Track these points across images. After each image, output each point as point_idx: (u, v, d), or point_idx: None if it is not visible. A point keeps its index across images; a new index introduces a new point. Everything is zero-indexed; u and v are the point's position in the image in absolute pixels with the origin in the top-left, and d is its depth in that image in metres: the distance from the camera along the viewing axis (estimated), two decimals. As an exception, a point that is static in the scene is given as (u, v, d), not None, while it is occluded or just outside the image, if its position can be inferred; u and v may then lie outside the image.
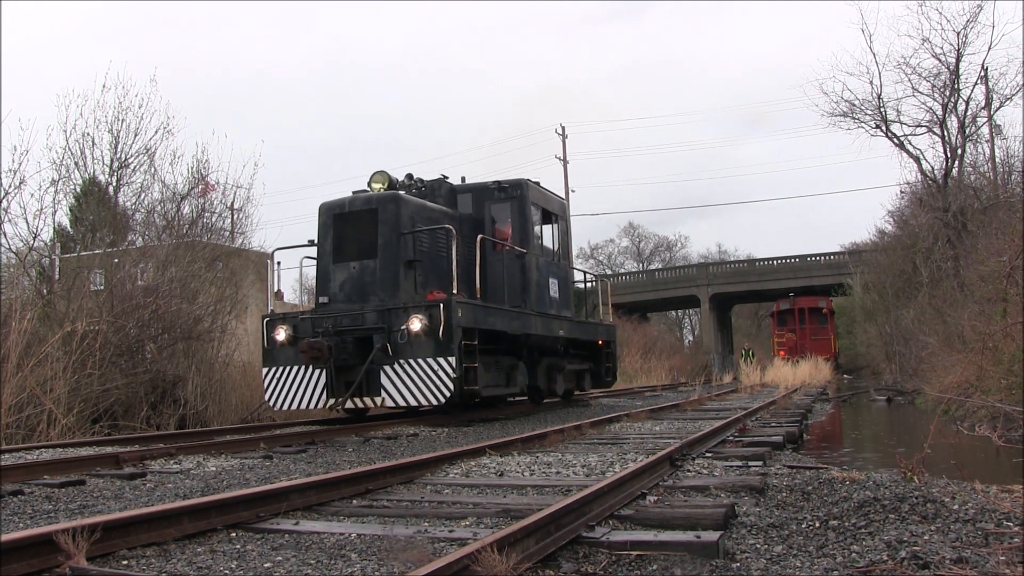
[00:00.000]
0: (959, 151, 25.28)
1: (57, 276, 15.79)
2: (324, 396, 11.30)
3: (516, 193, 14.37)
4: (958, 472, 5.25)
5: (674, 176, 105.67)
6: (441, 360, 10.75)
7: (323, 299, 11.97)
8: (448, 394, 10.68)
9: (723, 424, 9.28)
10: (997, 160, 26.24)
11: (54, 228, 17.00)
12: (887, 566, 3.35)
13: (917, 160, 26.15)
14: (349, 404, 11.31)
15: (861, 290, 35.80)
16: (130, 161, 17.81)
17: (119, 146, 17.58)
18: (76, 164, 17.15)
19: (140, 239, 18.00)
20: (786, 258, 49.32)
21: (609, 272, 62.06)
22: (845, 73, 53.32)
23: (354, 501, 5.10)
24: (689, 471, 6.14)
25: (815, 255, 48.40)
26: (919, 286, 24.72)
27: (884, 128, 26.18)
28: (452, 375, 10.68)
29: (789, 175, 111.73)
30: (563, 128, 49.91)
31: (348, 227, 12.04)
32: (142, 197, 18.32)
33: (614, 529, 4.03)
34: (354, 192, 12.62)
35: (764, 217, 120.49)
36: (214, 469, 6.95)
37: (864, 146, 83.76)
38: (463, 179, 14.90)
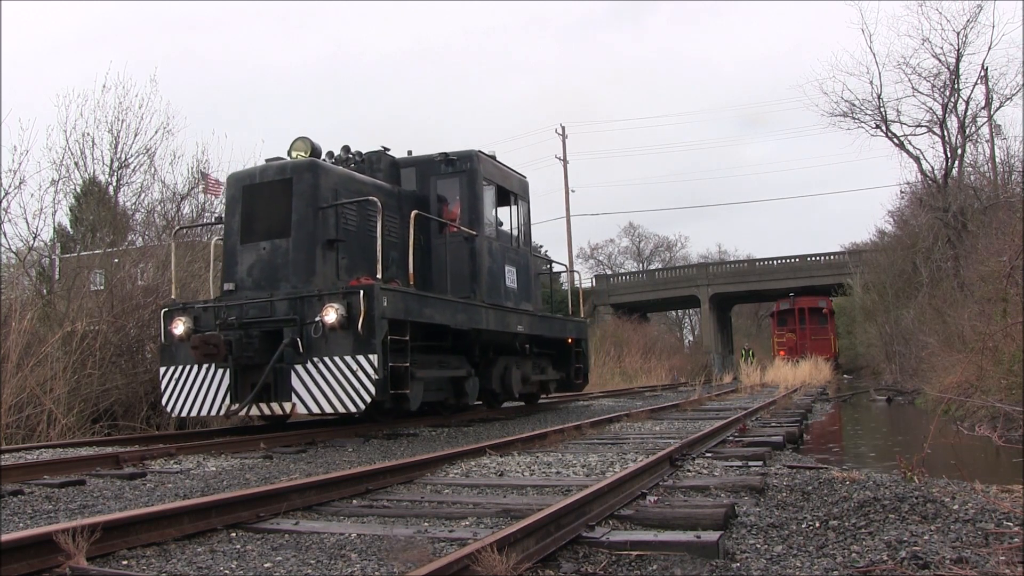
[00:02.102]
0: (959, 151, 25.29)
1: (57, 276, 15.81)
2: (228, 401, 9.70)
3: (465, 167, 12.59)
4: (958, 472, 5.25)
5: (674, 176, 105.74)
6: (361, 359, 9.08)
7: (228, 286, 10.33)
8: (368, 400, 9.05)
9: (723, 424, 9.28)
10: (997, 160, 26.26)
11: (54, 228, 17.03)
12: (887, 566, 3.35)
13: (917, 160, 26.18)
14: (254, 411, 9.64)
15: (861, 290, 35.79)
16: (130, 161, 17.85)
17: (119, 146, 17.62)
18: (76, 164, 17.19)
19: (140, 239, 18.02)
20: (786, 258, 49.30)
21: (609, 272, 62.08)
22: (845, 73, 53.44)
23: (354, 501, 5.10)
24: (689, 471, 6.14)
25: (815, 255, 48.39)
26: (919, 286, 24.71)
27: (884, 128, 26.20)
28: (373, 377, 9.04)
29: (789, 175, 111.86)
30: (563, 128, 49.92)
31: (258, 201, 10.38)
32: (142, 197, 18.36)
33: (614, 529, 4.03)
34: (267, 160, 10.91)
35: (764, 217, 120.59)
36: (214, 469, 6.95)
37: (864, 146, 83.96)
38: (410, 153, 13.09)
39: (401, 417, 11.35)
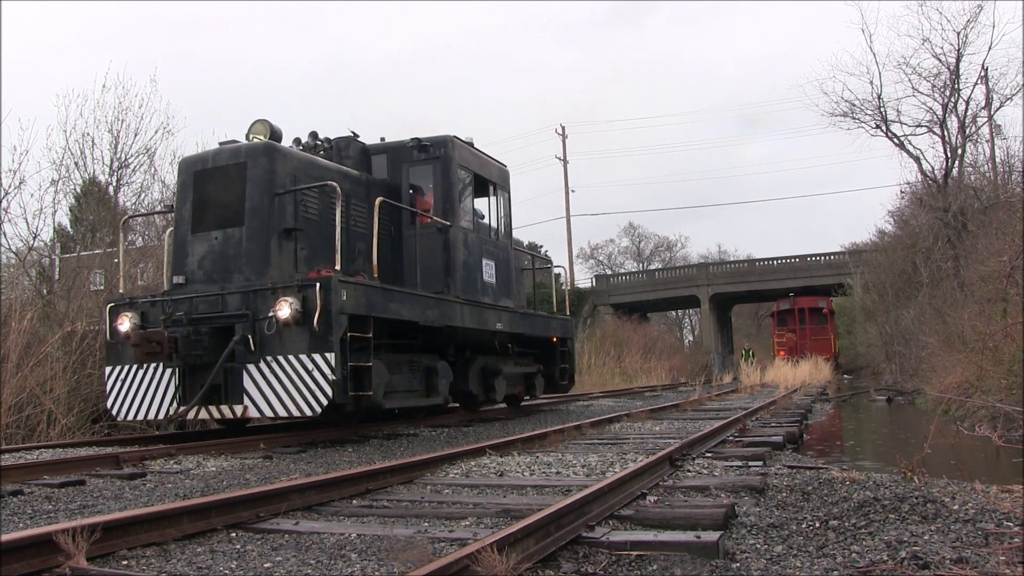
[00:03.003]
0: (959, 151, 25.29)
1: (57, 276, 15.81)
2: (177, 403, 9.07)
3: (439, 153, 11.84)
4: (958, 472, 5.25)
5: (674, 176, 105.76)
6: (317, 357, 8.47)
7: (178, 279, 9.65)
8: (324, 402, 8.41)
9: (723, 424, 9.28)
10: (997, 160, 26.28)
11: (54, 228, 17.02)
12: (887, 566, 3.35)
13: (917, 160, 26.19)
14: (203, 414, 8.99)
15: (861, 290, 35.79)
16: (130, 161, 17.81)
17: (119, 146, 17.58)
18: (76, 164, 17.15)
19: (140, 239, 18.01)
20: (786, 258, 49.29)
21: (609, 272, 62.07)
22: (845, 73, 53.60)
23: (354, 501, 5.10)
24: (689, 471, 6.14)
25: (815, 255, 48.38)
26: (919, 286, 24.71)
27: (884, 128, 26.21)
28: (331, 377, 8.41)
29: (789, 175, 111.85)
30: (563, 128, 50.01)
31: (210, 187, 9.72)
32: (142, 197, 18.32)
33: (614, 529, 4.03)
34: (221, 143, 10.19)
35: (764, 217, 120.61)
36: (214, 469, 6.95)
37: (864, 146, 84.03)
38: (383, 139, 12.36)
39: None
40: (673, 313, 71.53)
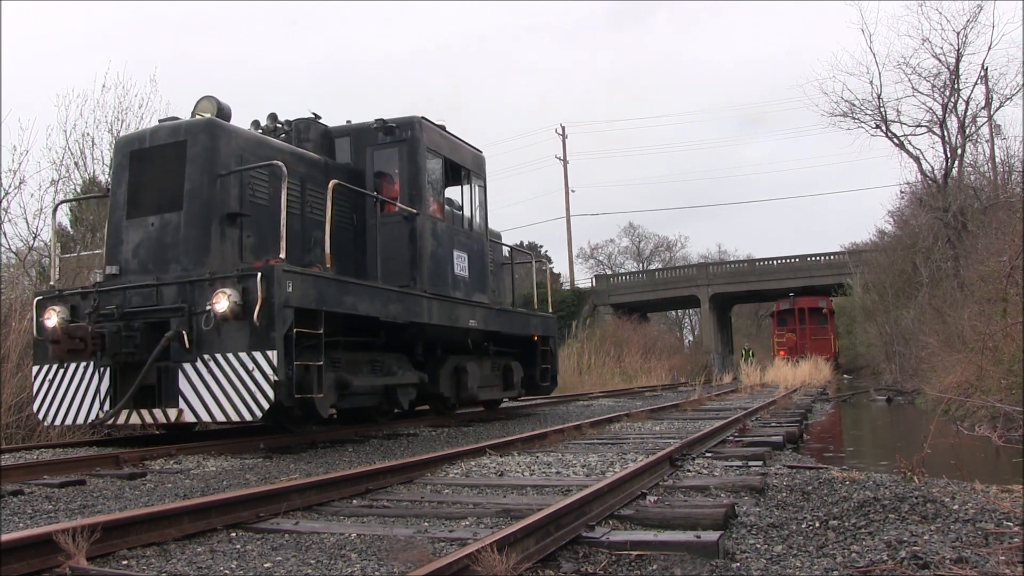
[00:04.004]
0: (959, 151, 25.31)
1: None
2: (108, 406, 8.34)
3: (406, 135, 10.96)
4: (958, 472, 5.25)
5: (674, 176, 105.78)
6: (257, 355, 7.74)
7: (111, 269, 8.85)
8: (265, 406, 7.71)
9: (723, 424, 9.28)
10: (997, 160, 26.30)
11: (54, 228, 17.00)
12: (887, 566, 3.35)
13: (917, 160, 26.21)
14: (135, 418, 8.25)
15: (861, 290, 35.79)
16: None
17: (119, 146, 17.57)
18: (76, 164, 17.15)
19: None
20: (786, 258, 49.28)
21: (609, 272, 62.08)
22: (845, 73, 53.72)
23: (354, 501, 5.11)
24: (689, 471, 6.14)
25: (815, 255, 48.37)
26: (919, 286, 24.72)
27: (884, 128, 26.23)
28: (272, 378, 7.69)
29: (789, 175, 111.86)
30: (563, 128, 50.06)
31: (148, 169, 8.96)
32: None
33: (614, 529, 4.03)
34: (161, 120, 9.50)
35: (764, 217, 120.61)
36: (214, 469, 6.95)
37: (864, 146, 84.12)
38: (348, 123, 11.56)
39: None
40: (673, 313, 71.52)
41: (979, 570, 3.22)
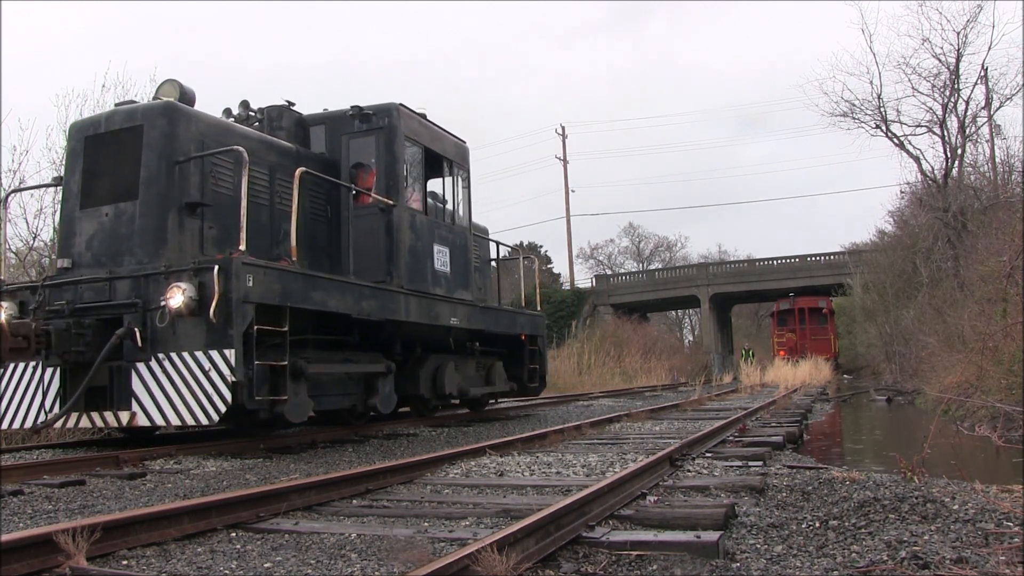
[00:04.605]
0: (959, 151, 25.33)
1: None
2: (58, 409, 7.86)
3: (383, 123, 10.42)
4: (958, 472, 5.25)
5: (674, 176, 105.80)
6: (214, 354, 7.31)
7: (63, 262, 8.41)
8: (223, 408, 7.29)
9: (723, 424, 9.28)
10: (997, 160, 26.33)
11: (54, 228, 17.00)
12: (887, 566, 3.35)
13: (917, 160, 26.23)
14: (84, 422, 7.78)
15: (861, 290, 35.80)
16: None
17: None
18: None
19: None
20: (786, 258, 49.29)
21: (609, 272, 62.09)
22: (845, 73, 53.76)
23: (354, 501, 5.11)
24: (689, 471, 6.15)
25: (815, 255, 48.39)
26: (919, 286, 24.73)
27: (884, 128, 26.25)
28: (230, 379, 7.25)
29: (789, 175, 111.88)
30: (563, 128, 50.10)
31: (103, 155, 8.49)
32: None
33: (614, 529, 4.03)
34: (118, 104, 8.99)
35: (764, 217, 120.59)
36: (214, 469, 6.95)
37: (864, 146, 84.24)
38: (325, 110, 11.05)
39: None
40: (673, 313, 71.54)
41: (979, 570, 3.22)
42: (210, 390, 7.31)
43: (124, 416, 7.59)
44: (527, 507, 4.53)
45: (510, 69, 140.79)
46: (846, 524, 4.19)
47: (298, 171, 8.79)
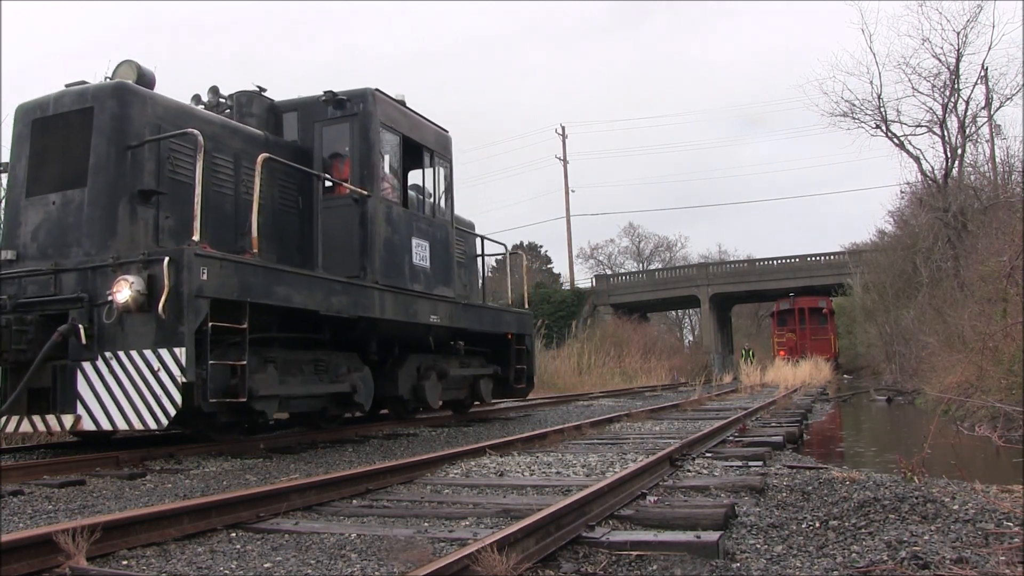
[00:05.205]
0: (959, 151, 25.32)
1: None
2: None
3: (357, 109, 9.86)
4: (958, 472, 5.25)
5: (674, 176, 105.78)
6: (163, 353, 6.86)
7: (7, 254, 7.91)
8: (172, 412, 6.84)
9: (723, 424, 9.28)
10: (997, 160, 26.33)
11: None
12: (887, 566, 3.35)
13: (917, 160, 26.23)
14: (25, 426, 7.28)
15: (861, 290, 35.81)
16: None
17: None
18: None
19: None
20: (786, 258, 49.29)
21: (609, 272, 62.10)
22: (845, 73, 53.98)
23: (354, 501, 5.11)
24: (689, 471, 6.15)
25: (815, 255, 48.39)
26: (919, 286, 24.73)
27: (884, 128, 26.25)
28: (180, 379, 6.79)
29: (789, 175, 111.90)
30: (563, 128, 50.10)
31: (51, 139, 8.02)
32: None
33: (614, 529, 4.03)
34: (68, 85, 8.35)
35: (764, 217, 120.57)
36: (214, 469, 6.95)
37: (864, 146, 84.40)
38: (299, 97, 10.48)
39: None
40: (673, 313, 71.54)
41: (979, 570, 3.22)
42: (159, 392, 6.87)
43: (68, 420, 7.13)
44: (527, 507, 4.53)
45: (510, 69, 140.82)
46: (846, 524, 4.19)
47: (261, 156, 8.31)
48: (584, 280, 55.76)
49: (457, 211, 12.58)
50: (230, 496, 4.48)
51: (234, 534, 4.16)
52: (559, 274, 60.29)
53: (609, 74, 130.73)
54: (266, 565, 3.52)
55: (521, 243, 61.39)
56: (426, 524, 4.31)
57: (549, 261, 66.75)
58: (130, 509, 4.57)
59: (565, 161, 49.83)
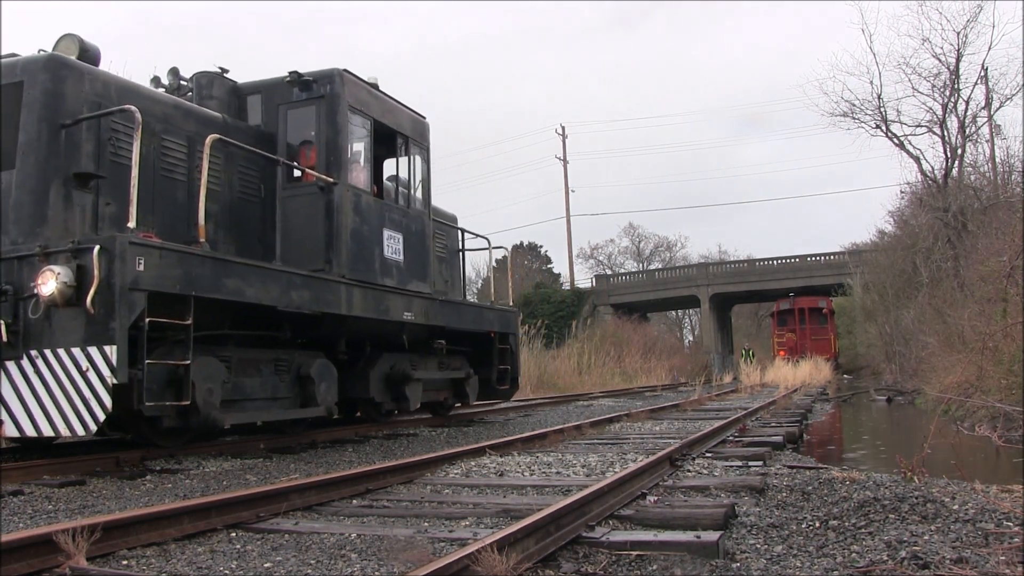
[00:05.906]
0: (959, 151, 25.34)
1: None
2: None
3: (324, 91, 9.25)
4: (958, 472, 5.25)
5: (674, 176, 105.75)
6: (92, 351, 6.22)
7: None
8: (101, 417, 6.20)
9: (723, 424, 9.28)
10: (997, 160, 26.35)
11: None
12: (887, 566, 3.35)
13: (917, 160, 26.24)
14: None
15: (861, 290, 35.83)
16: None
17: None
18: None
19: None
20: (786, 258, 49.29)
21: (609, 272, 62.11)
22: (845, 73, 54.09)
23: (354, 501, 5.11)
24: (689, 471, 6.15)
25: (815, 255, 48.39)
26: (919, 286, 24.73)
27: (884, 128, 26.27)
28: (110, 381, 6.15)
29: (789, 175, 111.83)
30: (563, 128, 50.10)
31: None
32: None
33: (614, 529, 4.03)
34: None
35: (764, 217, 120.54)
36: (214, 469, 6.95)
37: (864, 146, 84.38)
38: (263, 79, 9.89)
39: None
40: (673, 313, 71.55)
41: (979, 570, 3.22)
42: (87, 394, 6.21)
43: None
44: (527, 507, 4.53)
45: (510, 69, 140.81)
46: (846, 524, 4.19)
47: (209, 137, 7.69)
48: (584, 280, 55.82)
49: (455, 211, 12.48)
50: (230, 496, 4.48)
51: (234, 534, 4.16)
52: (559, 274, 60.35)
53: (609, 74, 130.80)
54: (266, 565, 3.52)
55: (521, 243, 61.46)
56: (426, 524, 4.31)
57: (549, 261, 66.80)
58: (130, 509, 4.57)
59: (565, 161, 49.85)
